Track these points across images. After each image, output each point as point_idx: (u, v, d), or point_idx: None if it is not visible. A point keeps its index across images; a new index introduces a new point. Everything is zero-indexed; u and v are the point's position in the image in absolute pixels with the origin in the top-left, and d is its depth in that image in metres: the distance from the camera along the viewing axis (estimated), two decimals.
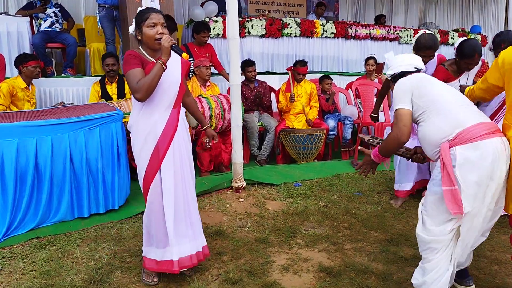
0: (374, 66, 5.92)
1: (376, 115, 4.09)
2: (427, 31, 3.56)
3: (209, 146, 2.91)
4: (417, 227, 2.24)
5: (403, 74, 2.43)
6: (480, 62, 3.52)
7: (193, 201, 2.64)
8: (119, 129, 3.57)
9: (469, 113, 2.19)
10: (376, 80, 5.85)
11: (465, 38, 3.57)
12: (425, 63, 3.13)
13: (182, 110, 2.63)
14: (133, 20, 2.46)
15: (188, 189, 2.61)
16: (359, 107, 5.66)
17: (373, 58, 5.96)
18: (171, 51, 2.36)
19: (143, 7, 2.55)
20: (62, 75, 5.57)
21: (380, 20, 9.36)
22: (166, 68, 2.35)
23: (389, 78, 2.55)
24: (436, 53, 3.69)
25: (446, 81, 3.28)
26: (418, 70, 2.45)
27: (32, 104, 4.59)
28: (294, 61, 7.07)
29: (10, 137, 3.13)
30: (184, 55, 2.38)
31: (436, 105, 2.22)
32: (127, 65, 2.38)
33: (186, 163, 2.58)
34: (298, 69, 5.34)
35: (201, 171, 4.73)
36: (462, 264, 2.35)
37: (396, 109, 2.27)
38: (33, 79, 4.63)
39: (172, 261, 2.47)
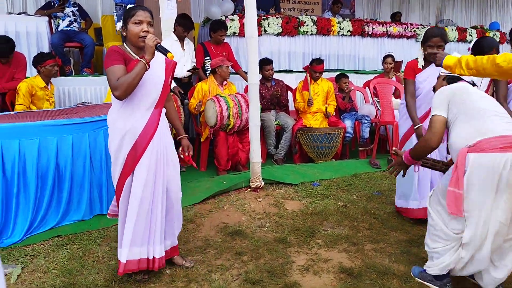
0: (392, 64, 5.84)
1: (419, 125, 3.39)
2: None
3: (182, 157, 2.79)
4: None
5: (459, 78, 2.47)
6: None
7: (175, 202, 2.61)
8: None
9: (497, 124, 2.22)
10: (394, 79, 5.77)
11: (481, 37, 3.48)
12: (433, 55, 2.92)
13: (164, 110, 2.57)
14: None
15: (170, 190, 2.56)
16: (377, 106, 5.60)
17: (391, 56, 5.88)
18: (156, 50, 2.32)
19: (131, 5, 2.50)
20: (80, 74, 5.61)
21: (395, 18, 9.26)
22: (149, 68, 2.31)
23: (443, 79, 2.56)
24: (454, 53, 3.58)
25: None
26: (473, 84, 2.47)
27: (51, 103, 4.64)
28: (310, 60, 7.07)
29: (32, 137, 3.16)
30: (170, 55, 2.31)
31: (467, 113, 2.29)
32: (108, 60, 2.33)
33: (165, 163, 2.51)
34: (315, 67, 5.30)
35: (219, 170, 4.73)
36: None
37: (432, 115, 2.37)
38: (51, 78, 4.68)
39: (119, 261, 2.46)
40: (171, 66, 2.55)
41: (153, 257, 2.50)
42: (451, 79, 2.52)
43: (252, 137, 3.97)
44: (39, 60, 4.51)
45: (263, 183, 3.99)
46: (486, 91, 3.24)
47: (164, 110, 2.58)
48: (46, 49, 5.54)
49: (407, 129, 3.44)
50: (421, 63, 3.37)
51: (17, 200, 3.10)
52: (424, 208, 3.12)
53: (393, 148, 2.71)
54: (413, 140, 3.33)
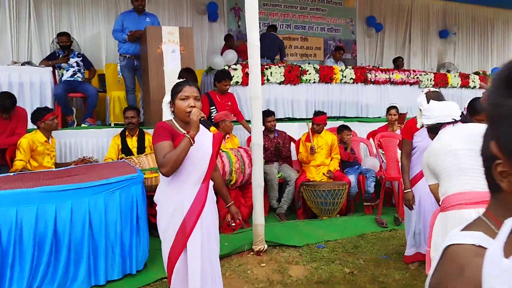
0: (396, 115, 5.81)
1: (409, 190, 3.43)
2: (432, 89, 3.27)
3: (233, 225, 2.81)
4: None
5: (439, 125, 2.46)
6: None
7: (218, 279, 2.54)
8: (139, 191, 3.50)
9: (463, 180, 2.19)
10: (398, 131, 5.72)
11: (474, 97, 3.39)
12: None
13: (211, 183, 2.55)
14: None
15: (214, 267, 2.51)
16: (381, 158, 5.53)
17: (395, 107, 5.85)
18: (200, 124, 2.32)
19: (178, 80, 2.55)
20: (82, 125, 5.58)
21: (397, 63, 9.34)
22: (194, 143, 2.30)
23: (425, 127, 2.62)
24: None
25: None
26: (456, 121, 2.45)
27: (52, 157, 4.58)
28: (313, 107, 7.09)
29: (30, 203, 3.07)
30: (212, 129, 2.33)
31: (443, 172, 2.29)
32: (155, 138, 2.34)
33: (213, 240, 2.49)
34: (315, 119, 5.26)
35: (220, 227, 4.61)
36: None
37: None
38: (52, 131, 4.64)
39: None
40: (218, 139, 2.55)
41: None
42: (434, 129, 2.52)
43: (255, 198, 3.88)
44: (38, 116, 4.47)
45: (266, 246, 3.87)
46: None
47: (211, 183, 2.54)
48: (49, 100, 5.55)
49: (415, 174, 3.46)
50: (420, 123, 3.36)
51: (11, 271, 2.98)
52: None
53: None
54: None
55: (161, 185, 2.46)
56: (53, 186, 3.20)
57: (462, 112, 3.64)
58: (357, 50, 10.12)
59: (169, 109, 2.53)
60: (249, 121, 5.56)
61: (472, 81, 8.60)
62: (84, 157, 4.63)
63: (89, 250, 3.29)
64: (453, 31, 11.03)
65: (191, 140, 2.28)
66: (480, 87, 8.57)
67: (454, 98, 8.46)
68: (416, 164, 3.42)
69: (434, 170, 2.37)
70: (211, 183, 2.55)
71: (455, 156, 2.24)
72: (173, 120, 2.46)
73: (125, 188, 3.42)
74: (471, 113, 2.99)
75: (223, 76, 5.51)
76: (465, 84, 8.52)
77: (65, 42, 5.82)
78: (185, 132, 2.34)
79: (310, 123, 5.35)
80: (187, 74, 5.06)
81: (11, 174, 3.69)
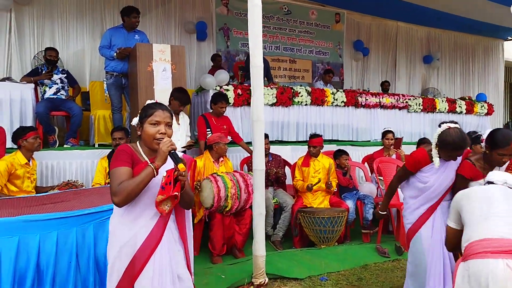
0: (392, 140, 5.69)
1: (385, 212, 3.31)
2: (452, 125, 2.84)
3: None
4: None
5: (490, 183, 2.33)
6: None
7: None
8: None
9: (491, 225, 2.01)
10: (394, 156, 5.60)
11: (495, 128, 3.17)
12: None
13: (172, 217, 2.22)
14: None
15: None
16: (378, 183, 5.37)
17: (392, 132, 5.74)
18: (168, 156, 2.05)
19: (151, 101, 2.26)
20: (65, 145, 5.24)
21: (384, 87, 9.35)
22: (157, 174, 2.03)
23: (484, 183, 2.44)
24: None
25: (472, 179, 2.88)
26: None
27: (33, 180, 4.23)
28: (305, 130, 6.94)
29: (11, 234, 2.73)
30: (181, 166, 2.01)
31: (470, 216, 2.15)
32: (114, 161, 2.09)
33: (173, 282, 2.16)
34: (311, 141, 5.08)
35: (213, 256, 4.34)
36: None
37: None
38: (34, 153, 4.31)
39: None
40: (189, 163, 2.28)
41: None
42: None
43: (256, 227, 3.64)
44: (20, 134, 4.16)
45: (267, 280, 3.61)
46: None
47: (172, 217, 2.24)
48: (30, 118, 5.22)
49: (412, 224, 3.05)
50: (437, 163, 2.92)
51: None
52: None
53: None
54: (421, 233, 2.99)
55: (114, 215, 2.19)
56: (37, 214, 2.87)
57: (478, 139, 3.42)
58: (344, 73, 10.10)
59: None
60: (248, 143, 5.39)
61: (459, 106, 8.65)
62: (68, 180, 4.30)
63: (76, 285, 2.97)
64: (436, 56, 11.20)
65: (155, 171, 2.02)
66: None
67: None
68: (423, 204, 3.00)
69: (461, 212, 2.23)
70: (172, 218, 2.22)
71: (490, 204, 2.10)
72: (138, 144, 2.21)
73: None
74: (492, 146, 2.78)
75: (219, 98, 5.30)
76: (452, 109, 8.56)
77: (53, 57, 5.53)
78: (148, 160, 2.10)
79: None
80: (180, 94, 4.84)
81: None
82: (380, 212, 3.30)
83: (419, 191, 3.01)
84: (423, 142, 5.61)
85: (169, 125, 2.15)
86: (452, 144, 2.79)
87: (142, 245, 2.09)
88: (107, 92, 5.52)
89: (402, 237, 4.51)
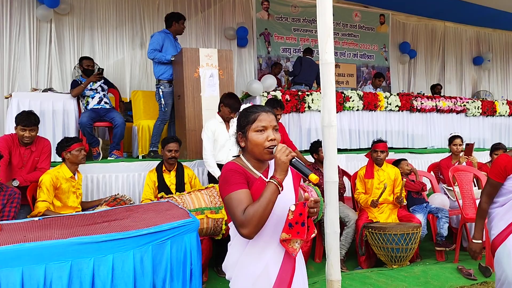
0: (461, 146, 5.14)
1: (480, 241, 2.78)
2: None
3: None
4: None
5: None
6: None
7: None
8: (194, 241, 2.81)
9: None
10: (464, 163, 5.04)
11: None
12: None
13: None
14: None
15: None
16: (447, 194, 4.83)
17: (460, 137, 5.19)
18: (290, 167, 1.69)
19: (247, 105, 1.91)
20: (109, 158, 4.95)
21: (435, 90, 8.77)
22: (282, 190, 1.66)
23: None
24: None
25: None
26: None
27: (78, 195, 3.93)
28: (357, 136, 6.48)
29: (63, 259, 2.40)
30: (313, 176, 1.64)
31: None
32: (226, 185, 1.71)
33: None
34: (377, 145, 4.59)
35: None
36: None
37: None
38: (79, 166, 4.01)
39: None
40: (298, 180, 1.91)
41: None
42: None
43: (330, 247, 3.17)
44: (64, 145, 3.87)
45: None
46: None
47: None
48: (73, 129, 5.01)
49: (498, 233, 2.61)
50: None
51: None
52: None
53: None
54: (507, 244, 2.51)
55: (234, 250, 1.83)
56: (91, 236, 2.53)
57: None
58: (391, 77, 9.58)
59: (235, 144, 1.89)
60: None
61: None
62: (116, 195, 3.96)
63: None
64: (488, 57, 10.53)
65: (279, 187, 1.65)
66: None
67: (502, 127, 7.85)
68: (509, 211, 2.61)
69: None
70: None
71: None
72: (243, 157, 1.84)
73: (177, 237, 2.75)
74: None
75: (274, 105, 4.90)
76: None
77: (91, 67, 5.29)
78: (261, 175, 1.74)
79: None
80: (231, 100, 4.46)
81: (36, 219, 3.03)
82: (475, 241, 2.75)
83: (507, 198, 2.63)
84: (497, 148, 5.09)
85: (276, 129, 1.79)
86: None
87: (278, 276, 1.75)
88: (162, 100, 5.17)
89: (487, 255, 3.97)
